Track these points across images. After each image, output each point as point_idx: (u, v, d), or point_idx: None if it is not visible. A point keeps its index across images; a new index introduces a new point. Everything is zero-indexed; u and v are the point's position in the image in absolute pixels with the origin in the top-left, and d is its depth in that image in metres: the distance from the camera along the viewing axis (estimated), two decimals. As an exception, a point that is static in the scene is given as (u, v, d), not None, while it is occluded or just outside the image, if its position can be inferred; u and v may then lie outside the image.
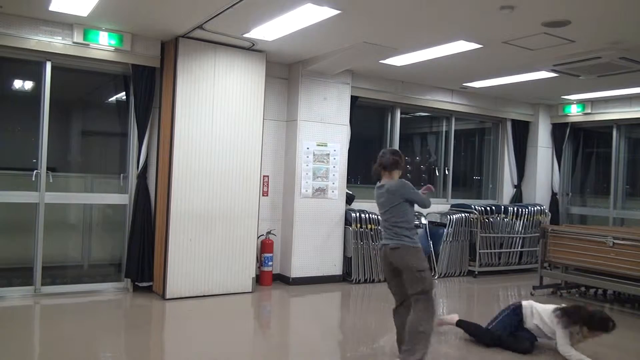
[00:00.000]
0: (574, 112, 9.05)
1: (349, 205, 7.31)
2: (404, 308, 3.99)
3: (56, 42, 5.48)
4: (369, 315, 5.97)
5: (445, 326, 5.02)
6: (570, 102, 9.00)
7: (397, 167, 4.04)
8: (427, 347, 3.82)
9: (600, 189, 9.48)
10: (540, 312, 4.61)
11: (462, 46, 5.58)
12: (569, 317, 4.36)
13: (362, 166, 7.87)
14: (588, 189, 9.77)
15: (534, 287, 6.81)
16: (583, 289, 6.93)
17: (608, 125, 8.91)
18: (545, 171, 9.42)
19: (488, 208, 8.13)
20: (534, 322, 4.60)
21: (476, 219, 7.94)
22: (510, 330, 4.65)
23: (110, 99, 6.70)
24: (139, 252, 5.95)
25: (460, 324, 4.91)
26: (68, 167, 6.40)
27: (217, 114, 5.98)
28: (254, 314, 5.99)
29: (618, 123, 8.77)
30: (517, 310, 4.71)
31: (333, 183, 7.00)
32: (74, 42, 5.53)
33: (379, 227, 7.22)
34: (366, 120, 8.20)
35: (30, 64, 5.74)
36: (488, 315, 5.98)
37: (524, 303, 4.74)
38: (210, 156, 5.96)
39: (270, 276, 6.72)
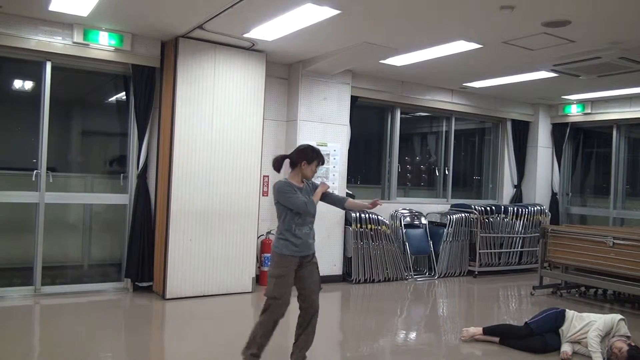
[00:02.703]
0: (574, 112, 9.05)
1: (349, 205, 7.30)
2: (302, 311, 3.87)
3: (56, 42, 5.48)
4: (369, 315, 5.97)
5: (473, 338, 4.84)
6: (570, 102, 9.00)
7: (292, 165, 3.80)
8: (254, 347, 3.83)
9: (600, 189, 9.48)
10: (583, 317, 4.58)
11: (462, 46, 5.58)
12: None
13: (362, 166, 7.87)
14: (588, 189, 9.77)
15: (534, 287, 6.82)
16: (583, 289, 6.93)
17: (608, 125, 8.92)
18: (545, 171, 9.42)
19: (488, 208, 8.13)
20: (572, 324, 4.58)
21: (476, 219, 7.94)
22: (542, 332, 4.62)
23: (110, 99, 6.70)
24: (139, 252, 5.95)
25: (488, 330, 4.80)
26: (68, 167, 6.39)
27: (217, 114, 5.98)
28: (254, 314, 5.96)
29: (618, 123, 8.78)
30: (559, 317, 4.67)
31: (333, 183, 6.99)
32: (74, 42, 5.53)
33: (378, 227, 7.24)
34: (366, 120, 8.20)
35: (30, 64, 5.74)
36: (488, 315, 6.00)
37: (569, 312, 4.70)
38: (210, 156, 5.96)
39: (270, 276, 6.71)
